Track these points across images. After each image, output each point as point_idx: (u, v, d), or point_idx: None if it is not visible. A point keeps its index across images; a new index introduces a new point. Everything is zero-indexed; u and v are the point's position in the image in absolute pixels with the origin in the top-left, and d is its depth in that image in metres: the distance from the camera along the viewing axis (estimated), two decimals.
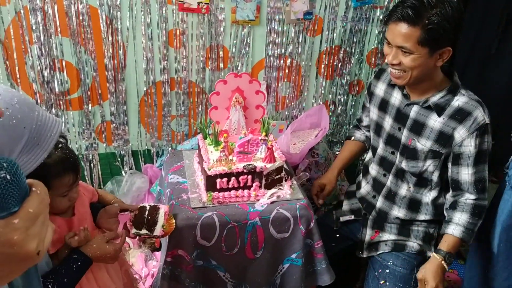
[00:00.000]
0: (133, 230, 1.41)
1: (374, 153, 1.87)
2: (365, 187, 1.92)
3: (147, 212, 1.44)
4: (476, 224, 1.64)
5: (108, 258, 1.36)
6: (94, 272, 1.40)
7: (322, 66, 2.46)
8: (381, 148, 1.81)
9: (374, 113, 1.83)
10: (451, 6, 1.47)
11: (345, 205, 2.00)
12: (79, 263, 1.27)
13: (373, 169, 1.87)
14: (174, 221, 1.48)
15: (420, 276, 1.64)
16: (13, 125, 1.01)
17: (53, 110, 2.23)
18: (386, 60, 1.61)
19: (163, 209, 1.45)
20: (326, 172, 2.05)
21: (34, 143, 1.05)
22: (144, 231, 1.40)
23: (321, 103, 2.53)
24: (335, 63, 2.48)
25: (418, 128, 1.66)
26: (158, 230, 1.41)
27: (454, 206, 1.67)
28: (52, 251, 1.31)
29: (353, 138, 2.03)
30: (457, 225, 1.64)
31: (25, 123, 1.03)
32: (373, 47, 2.48)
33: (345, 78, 2.53)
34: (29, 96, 1.15)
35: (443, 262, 1.61)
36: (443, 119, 1.61)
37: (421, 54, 1.50)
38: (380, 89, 1.80)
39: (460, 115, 1.58)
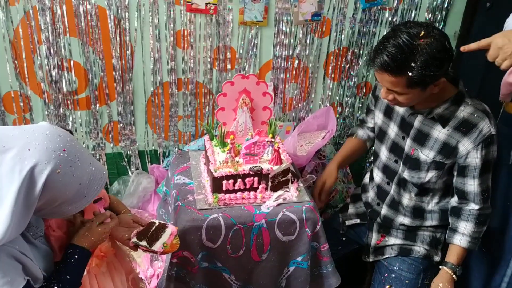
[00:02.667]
0: (133, 239, 1.40)
1: (376, 158, 1.84)
2: (371, 193, 1.90)
3: (154, 227, 1.44)
4: (481, 231, 1.64)
5: (104, 239, 1.35)
6: (98, 281, 1.39)
7: (330, 67, 2.45)
8: (385, 156, 1.78)
9: (379, 118, 1.80)
10: (433, 44, 1.37)
11: (351, 209, 1.98)
12: (76, 257, 1.25)
13: (378, 176, 1.85)
14: (178, 243, 1.47)
15: None
16: (72, 182, 1.10)
17: (61, 110, 2.24)
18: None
19: (170, 228, 1.44)
20: (327, 167, 1.97)
21: (82, 196, 1.14)
22: (143, 243, 1.40)
23: (328, 105, 2.52)
24: (343, 65, 2.46)
25: (421, 138, 1.63)
26: (157, 246, 1.40)
27: (458, 214, 1.66)
28: (58, 258, 1.30)
29: (355, 136, 1.99)
30: (463, 235, 1.64)
31: (81, 180, 1.12)
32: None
33: (353, 80, 2.51)
34: (86, 149, 1.21)
35: (454, 275, 1.64)
36: (448, 130, 1.56)
37: (413, 93, 1.46)
38: None
39: (465, 127, 1.53)
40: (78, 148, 1.12)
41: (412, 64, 1.37)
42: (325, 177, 1.92)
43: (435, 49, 1.37)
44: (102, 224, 1.34)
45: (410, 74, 1.38)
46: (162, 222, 1.46)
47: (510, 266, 1.80)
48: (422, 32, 1.38)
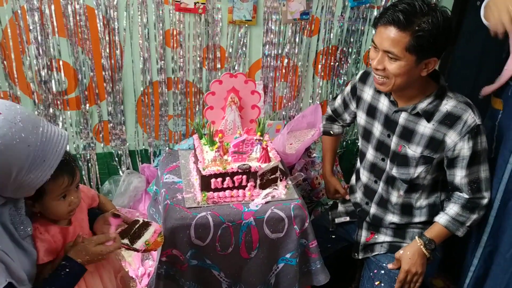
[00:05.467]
0: None
1: (362, 158, 1.85)
2: (358, 193, 1.91)
3: (137, 225, 1.43)
4: (468, 218, 1.65)
5: (100, 260, 1.34)
6: (86, 281, 1.37)
7: (319, 66, 2.47)
8: (371, 154, 1.79)
9: (362, 118, 1.81)
10: (443, 16, 1.44)
11: (341, 207, 1.99)
12: (67, 270, 1.24)
13: (364, 176, 1.86)
14: (163, 241, 1.46)
15: (397, 256, 1.72)
16: (17, 144, 1.05)
17: (51, 110, 2.24)
18: (370, 64, 1.58)
19: (153, 226, 1.43)
20: (326, 180, 2.10)
21: (40, 160, 1.10)
22: (125, 241, 1.39)
23: (318, 103, 2.53)
24: (332, 63, 2.48)
25: (407, 134, 1.64)
26: (139, 244, 1.39)
27: (449, 198, 1.69)
28: (45, 260, 1.29)
29: (331, 132, 2.04)
30: (445, 214, 1.67)
31: (29, 141, 1.07)
32: (370, 47, 2.47)
33: (342, 78, 2.53)
34: (34, 113, 1.19)
35: (422, 247, 1.67)
36: (433, 124, 1.58)
37: (407, 61, 1.47)
38: (367, 94, 1.77)
39: (450, 120, 1.56)
40: (20, 111, 1.07)
41: (421, 22, 1.43)
42: (333, 185, 2.05)
43: (443, 20, 1.44)
44: (101, 245, 1.31)
45: (417, 28, 1.42)
46: (146, 220, 1.46)
47: (479, 252, 1.82)
48: (434, 4, 1.47)
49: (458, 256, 1.95)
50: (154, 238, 1.41)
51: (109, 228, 1.44)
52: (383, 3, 2.36)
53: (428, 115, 1.58)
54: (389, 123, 1.69)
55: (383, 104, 1.71)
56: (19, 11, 2.01)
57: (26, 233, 1.23)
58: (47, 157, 1.11)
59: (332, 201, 2.23)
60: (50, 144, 1.11)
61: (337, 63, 2.48)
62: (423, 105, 1.59)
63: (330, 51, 2.44)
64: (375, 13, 2.38)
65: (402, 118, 1.65)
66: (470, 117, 1.54)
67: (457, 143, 1.56)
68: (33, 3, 2.00)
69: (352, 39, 2.43)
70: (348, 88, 1.88)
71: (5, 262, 1.09)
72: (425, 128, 1.60)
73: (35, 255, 1.26)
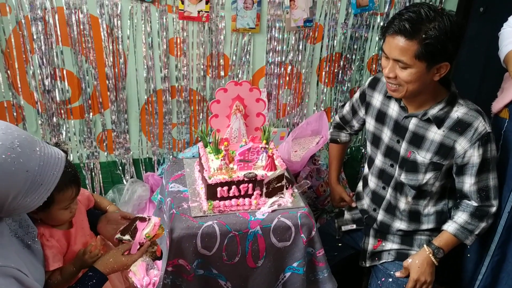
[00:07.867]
0: (117, 235, 1.42)
1: (371, 164, 1.85)
2: (366, 200, 1.90)
3: (138, 221, 1.45)
4: (476, 226, 1.64)
5: (125, 269, 1.39)
6: None
7: (323, 73, 2.46)
8: (380, 160, 1.79)
9: (371, 124, 1.81)
10: (450, 20, 1.43)
11: (347, 214, 1.98)
12: (94, 281, 1.28)
13: (372, 182, 1.85)
14: (163, 232, 1.48)
15: (406, 264, 1.71)
16: (15, 170, 1.00)
17: (54, 119, 2.23)
18: (381, 71, 1.58)
19: (153, 220, 1.45)
20: (331, 188, 2.11)
21: (37, 184, 1.06)
22: (127, 237, 1.41)
23: (322, 110, 2.52)
24: (335, 70, 2.48)
25: (417, 140, 1.64)
26: (140, 238, 1.42)
27: (457, 206, 1.68)
28: (55, 266, 1.31)
29: (339, 140, 2.05)
30: (454, 222, 1.66)
31: (27, 166, 1.03)
32: (373, 54, 2.48)
33: (346, 85, 2.52)
34: (30, 134, 1.13)
35: (431, 256, 1.66)
36: (443, 131, 1.58)
37: (418, 68, 1.47)
38: (376, 100, 1.77)
39: (461, 127, 1.55)
40: (16, 135, 1.02)
41: (428, 29, 1.42)
42: (338, 193, 2.06)
43: (450, 25, 1.42)
44: (127, 256, 1.37)
45: (424, 35, 1.42)
46: (145, 215, 1.47)
47: (487, 261, 1.80)
48: (440, 9, 1.46)
49: (464, 264, 1.94)
50: (155, 231, 1.43)
51: (112, 229, 1.47)
52: (386, 10, 2.37)
53: (438, 121, 1.58)
54: (399, 129, 1.68)
55: (393, 110, 1.70)
56: (23, 21, 2.01)
57: (32, 234, 1.24)
58: (45, 180, 1.07)
59: (338, 209, 2.22)
60: (47, 168, 1.07)
61: (340, 70, 2.48)
62: (434, 111, 1.58)
63: (333, 58, 2.43)
64: (378, 20, 2.38)
65: (412, 124, 1.64)
66: (481, 125, 1.53)
67: (467, 150, 1.55)
68: (37, 12, 2.00)
69: (355, 46, 2.43)
70: (357, 94, 1.88)
71: (18, 278, 1.08)
72: (435, 134, 1.59)
73: (42, 255, 1.27)
